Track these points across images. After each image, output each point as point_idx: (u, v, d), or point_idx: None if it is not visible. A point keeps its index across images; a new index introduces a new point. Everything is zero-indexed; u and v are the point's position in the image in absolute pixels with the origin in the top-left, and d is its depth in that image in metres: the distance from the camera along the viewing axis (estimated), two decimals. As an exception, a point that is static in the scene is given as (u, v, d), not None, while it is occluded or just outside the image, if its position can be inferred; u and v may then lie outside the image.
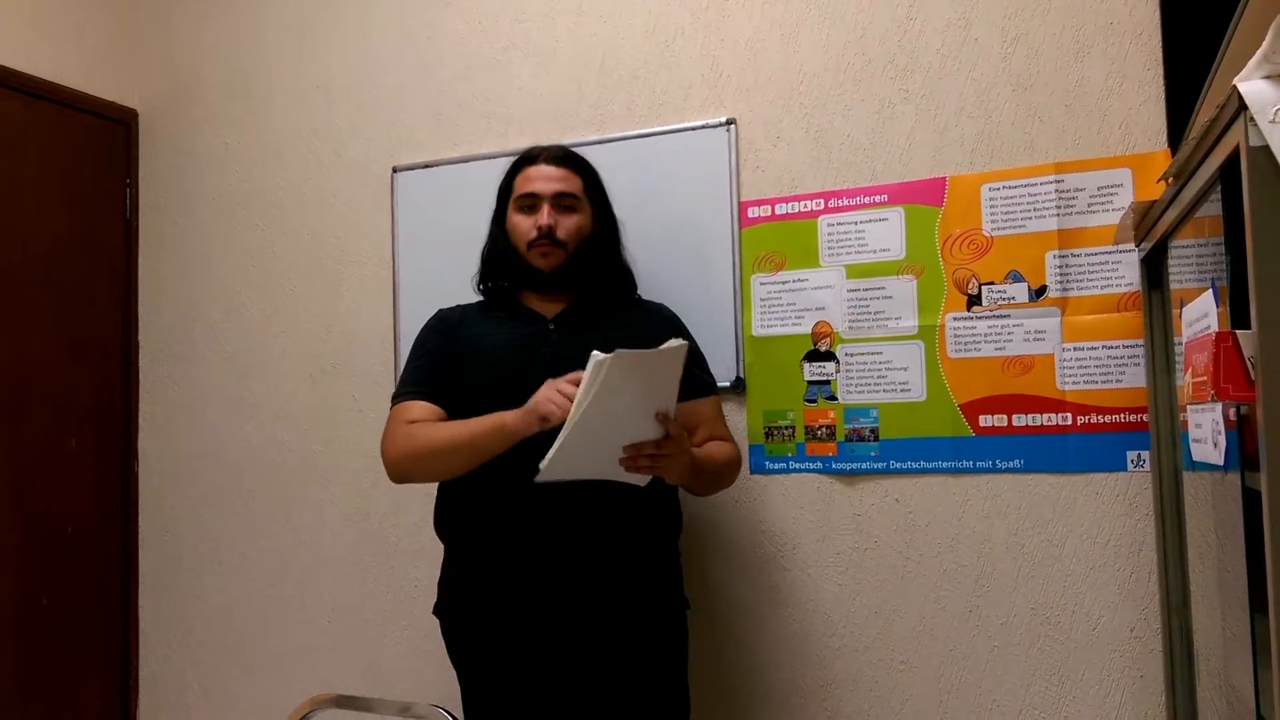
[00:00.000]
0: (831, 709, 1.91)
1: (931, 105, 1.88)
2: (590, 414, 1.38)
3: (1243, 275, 0.88)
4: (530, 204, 1.71)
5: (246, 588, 2.43)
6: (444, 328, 1.76)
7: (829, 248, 1.94)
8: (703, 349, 2.00)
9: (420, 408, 1.67)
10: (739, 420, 1.98)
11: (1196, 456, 1.19)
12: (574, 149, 2.16)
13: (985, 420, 1.81)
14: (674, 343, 1.43)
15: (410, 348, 1.79)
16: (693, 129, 2.04)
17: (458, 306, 1.81)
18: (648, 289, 2.05)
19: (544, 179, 1.72)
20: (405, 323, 2.25)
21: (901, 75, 1.90)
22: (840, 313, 1.92)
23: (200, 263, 2.53)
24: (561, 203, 1.71)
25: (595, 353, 1.36)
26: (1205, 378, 0.99)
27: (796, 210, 1.96)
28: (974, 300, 1.83)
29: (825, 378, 1.93)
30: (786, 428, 1.95)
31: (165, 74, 2.60)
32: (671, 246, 2.04)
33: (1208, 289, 1.08)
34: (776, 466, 1.96)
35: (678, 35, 2.08)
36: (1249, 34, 0.93)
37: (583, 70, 2.15)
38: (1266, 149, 0.83)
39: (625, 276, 1.81)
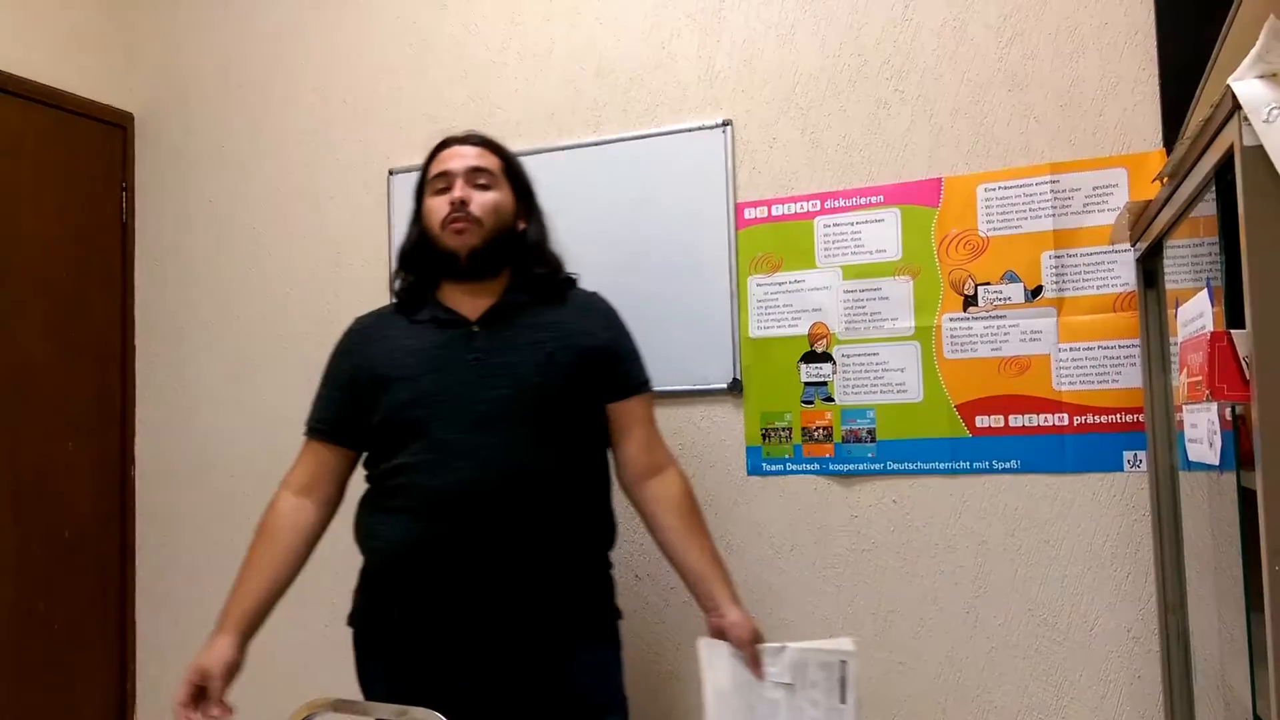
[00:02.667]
0: (829, 710, 1.91)
1: (927, 106, 1.88)
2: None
3: (1237, 275, 0.88)
4: (444, 184, 1.60)
5: (244, 591, 2.42)
6: (350, 347, 1.65)
7: (825, 249, 1.94)
8: (700, 350, 2.01)
9: (311, 455, 1.64)
10: (736, 422, 1.98)
11: (1192, 456, 1.19)
12: (572, 150, 2.18)
13: (982, 421, 1.81)
14: (835, 644, 1.36)
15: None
16: (689, 130, 2.04)
17: (374, 313, 1.69)
18: (644, 291, 2.05)
19: (457, 157, 1.63)
20: (402, 325, 2.24)
21: (897, 76, 1.91)
22: (837, 314, 1.92)
23: (197, 266, 2.53)
24: (476, 179, 1.61)
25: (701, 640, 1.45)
26: (1200, 377, 0.99)
27: (793, 211, 1.96)
28: (970, 301, 1.83)
29: (822, 379, 1.93)
30: (783, 429, 1.95)
31: (161, 78, 2.60)
32: (668, 248, 2.04)
33: (1203, 289, 1.08)
34: (774, 468, 1.96)
35: (673, 37, 2.08)
36: (1243, 34, 0.93)
37: (579, 72, 2.16)
38: (1260, 149, 0.83)
39: (554, 265, 1.68)
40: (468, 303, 1.60)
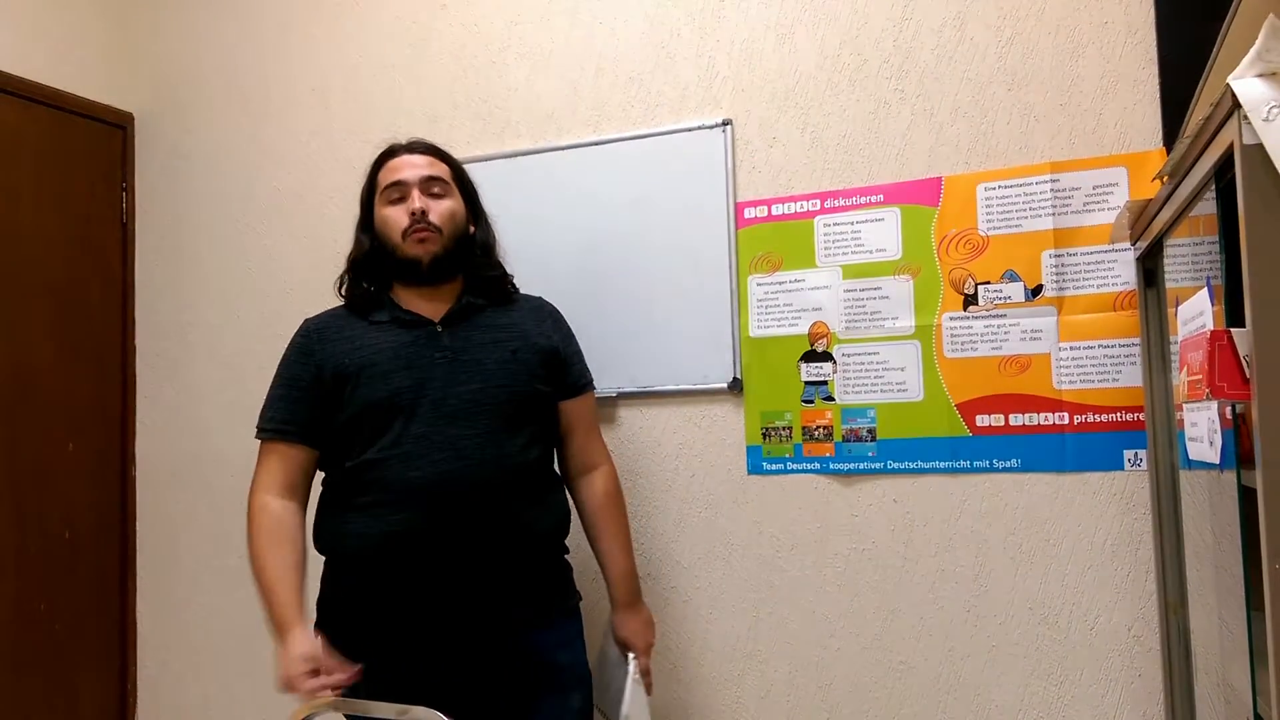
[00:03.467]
0: (830, 710, 1.91)
1: (927, 105, 1.88)
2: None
3: (1237, 273, 0.88)
4: (398, 194, 1.66)
5: (244, 591, 2.42)
6: (309, 347, 1.66)
7: (825, 248, 1.94)
8: (700, 350, 2.02)
9: (280, 457, 1.62)
10: (737, 421, 1.98)
11: (1193, 455, 1.19)
12: (572, 150, 2.18)
13: (982, 420, 1.81)
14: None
15: (278, 365, 1.69)
16: (689, 130, 2.04)
17: (326, 315, 1.72)
18: (644, 290, 2.05)
19: (409, 166, 1.67)
20: (402, 325, 2.25)
21: (897, 75, 1.91)
22: (837, 313, 1.92)
23: (197, 266, 2.53)
24: (430, 188, 1.66)
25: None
26: (1201, 376, 0.99)
27: (793, 211, 1.96)
28: (970, 300, 1.83)
29: (822, 378, 1.93)
30: (784, 428, 1.95)
31: (161, 78, 2.60)
32: (668, 248, 2.04)
33: (1203, 287, 1.08)
34: (774, 467, 1.96)
35: (673, 37, 2.08)
36: (1243, 32, 0.93)
37: (579, 72, 2.16)
38: (1260, 147, 0.83)
39: (501, 268, 1.76)
40: (425, 305, 1.67)
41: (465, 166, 2.24)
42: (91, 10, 2.54)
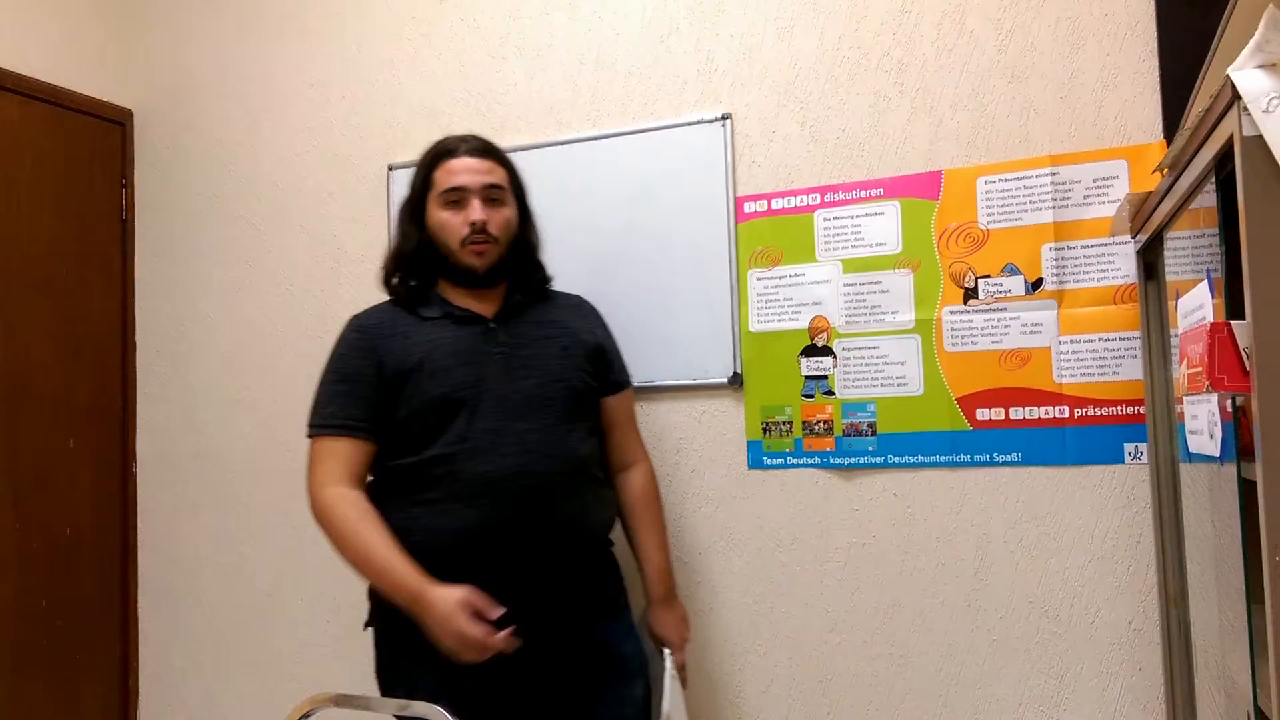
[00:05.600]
0: (831, 703, 1.92)
1: (927, 98, 1.88)
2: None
3: (1238, 266, 0.88)
4: (457, 198, 1.65)
5: (245, 588, 2.43)
6: (366, 342, 1.64)
7: (825, 242, 1.93)
8: (700, 345, 2.02)
9: (344, 452, 1.59)
10: (737, 416, 1.98)
11: (1193, 448, 1.19)
12: (571, 144, 2.18)
13: (983, 414, 1.81)
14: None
15: (328, 361, 1.67)
16: (688, 124, 2.04)
17: (374, 311, 1.71)
18: (644, 285, 2.05)
19: (469, 171, 1.65)
20: (402, 321, 2.25)
21: (896, 69, 1.90)
22: (837, 307, 1.92)
23: (197, 262, 2.53)
24: (490, 195, 1.66)
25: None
26: (1201, 369, 0.99)
27: (792, 205, 1.96)
28: (970, 294, 1.83)
29: (822, 372, 1.93)
30: (784, 423, 1.95)
31: (160, 74, 2.59)
32: (667, 242, 2.04)
33: (1203, 280, 1.08)
34: (774, 462, 1.96)
35: (672, 31, 2.07)
36: (1242, 24, 0.93)
37: (578, 67, 2.15)
38: (1260, 139, 0.83)
39: (543, 268, 1.81)
40: (475, 302, 1.69)
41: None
42: (90, 7, 2.54)
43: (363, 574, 1.57)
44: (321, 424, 1.62)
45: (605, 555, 1.77)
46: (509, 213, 1.70)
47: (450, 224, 1.65)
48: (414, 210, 1.70)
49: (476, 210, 1.63)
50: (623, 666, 1.70)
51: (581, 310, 1.83)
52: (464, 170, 1.66)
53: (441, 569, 1.53)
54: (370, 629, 1.67)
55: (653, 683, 1.77)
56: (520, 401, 1.61)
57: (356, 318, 1.71)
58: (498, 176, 1.69)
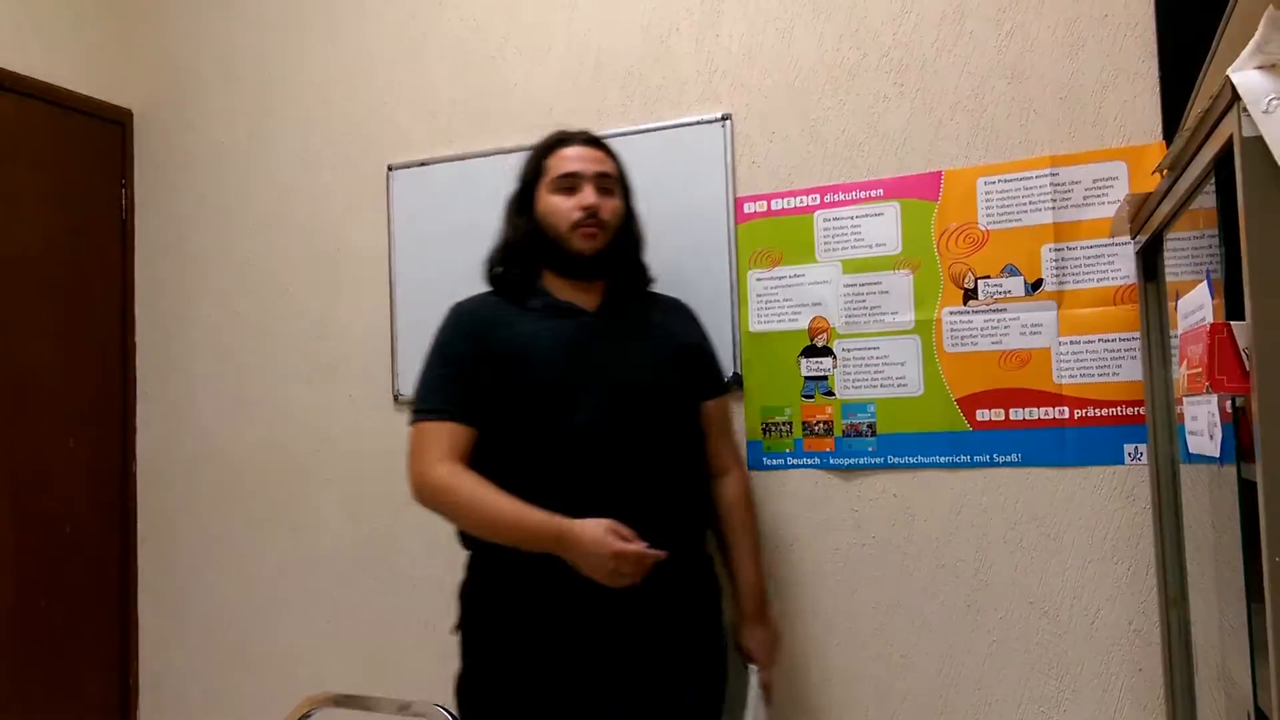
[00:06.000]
0: (831, 704, 1.91)
1: (926, 99, 1.88)
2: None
3: (1237, 267, 0.88)
4: (570, 184, 1.65)
5: (245, 587, 2.43)
6: (471, 329, 1.65)
7: (825, 243, 1.94)
8: (700, 345, 2.01)
9: (451, 435, 1.58)
10: (737, 416, 1.98)
11: (1193, 449, 1.19)
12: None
13: (982, 414, 1.81)
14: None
15: (431, 348, 1.66)
16: (688, 125, 2.04)
17: (477, 299, 1.70)
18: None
19: (583, 159, 1.67)
20: (402, 321, 2.25)
21: (896, 69, 1.90)
22: (837, 308, 1.92)
23: (196, 262, 2.53)
24: (602, 183, 1.67)
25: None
26: (1201, 370, 0.99)
27: (792, 206, 1.96)
28: (970, 294, 1.83)
29: (822, 373, 1.93)
30: (784, 423, 1.95)
31: (160, 73, 2.59)
32: (667, 243, 2.03)
33: (1203, 281, 1.08)
34: (774, 462, 1.96)
35: (672, 31, 2.07)
36: (1242, 25, 0.93)
37: (578, 67, 2.15)
38: (1260, 140, 0.83)
39: (645, 265, 1.80)
40: (578, 295, 1.68)
41: (464, 163, 2.25)
42: (90, 6, 2.54)
43: (496, 535, 1.54)
44: (431, 408, 1.61)
45: (702, 562, 1.74)
46: (618, 203, 1.69)
47: (562, 208, 1.64)
48: (522, 199, 1.70)
49: (589, 195, 1.63)
50: (722, 679, 1.72)
51: (681, 311, 1.83)
52: (578, 158, 1.67)
53: (554, 563, 1.52)
54: (458, 634, 1.65)
55: (731, 699, 1.74)
56: (625, 398, 1.60)
57: (459, 304, 1.70)
58: (609, 167, 1.70)
